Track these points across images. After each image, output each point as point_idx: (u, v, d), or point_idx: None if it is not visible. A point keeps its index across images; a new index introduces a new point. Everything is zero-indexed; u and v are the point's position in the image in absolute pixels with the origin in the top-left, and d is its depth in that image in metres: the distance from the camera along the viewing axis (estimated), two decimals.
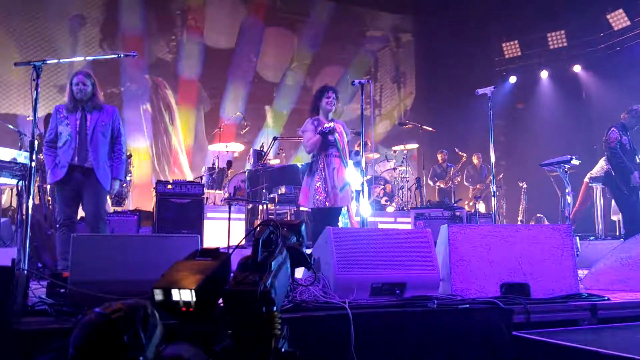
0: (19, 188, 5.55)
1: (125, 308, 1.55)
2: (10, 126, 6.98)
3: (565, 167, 5.38)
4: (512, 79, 12.14)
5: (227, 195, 7.81)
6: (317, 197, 4.73)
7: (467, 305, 2.95)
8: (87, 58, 4.21)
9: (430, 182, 10.55)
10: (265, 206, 7.28)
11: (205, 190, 7.36)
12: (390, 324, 2.77)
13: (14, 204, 6.35)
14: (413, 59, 13.44)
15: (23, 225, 4.64)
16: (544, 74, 11.96)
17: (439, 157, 10.73)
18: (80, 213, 4.75)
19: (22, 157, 5.64)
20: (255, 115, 11.04)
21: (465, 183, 10.87)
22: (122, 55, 4.18)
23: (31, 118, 4.02)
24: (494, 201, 5.44)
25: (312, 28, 12.30)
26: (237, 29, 11.68)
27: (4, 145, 6.26)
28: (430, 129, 9.73)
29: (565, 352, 2.54)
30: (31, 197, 3.79)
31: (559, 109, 11.56)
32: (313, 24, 12.33)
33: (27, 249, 3.51)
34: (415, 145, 10.33)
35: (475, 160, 10.87)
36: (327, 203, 4.73)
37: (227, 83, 11.46)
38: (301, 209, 7.06)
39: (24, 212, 4.62)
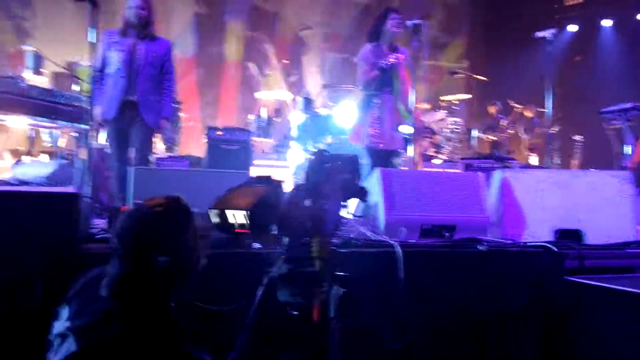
0: (78, 131, 5.75)
1: (159, 199, 1.69)
2: (67, 70, 7.19)
3: (628, 115, 5.12)
4: (572, 28, 11.49)
5: (274, 143, 7.88)
6: (372, 135, 4.53)
7: (518, 249, 2.92)
8: None
9: (482, 135, 10.27)
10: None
11: (253, 138, 7.44)
12: (439, 265, 2.78)
13: (73, 148, 6.59)
14: (467, 4, 12.89)
15: (82, 167, 4.84)
16: (607, 23, 11.26)
17: (491, 108, 10.39)
18: None
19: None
20: (304, 64, 10.92)
21: (521, 135, 10.52)
22: None
23: (90, 63, 4.02)
24: (546, 154, 5.27)
25: None
26: None
27: (63, 90, 6.47)
28: (482, 78, 9.42)
29: (618, 296, 2.49)
30: (90, 140, 3.89)
31: (621, 61, 10.89)
32: None
33: (88, 189, 3.66)
34: (467, 96, 9.99)
35: (528, 113, 10.47)
36: (381, 144, 4.55)
37: (274, 30, 11.33)
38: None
39: (83, 155, 4.80)
